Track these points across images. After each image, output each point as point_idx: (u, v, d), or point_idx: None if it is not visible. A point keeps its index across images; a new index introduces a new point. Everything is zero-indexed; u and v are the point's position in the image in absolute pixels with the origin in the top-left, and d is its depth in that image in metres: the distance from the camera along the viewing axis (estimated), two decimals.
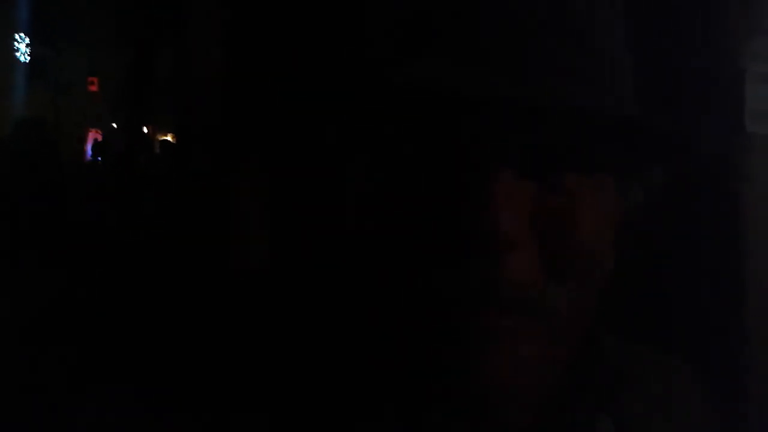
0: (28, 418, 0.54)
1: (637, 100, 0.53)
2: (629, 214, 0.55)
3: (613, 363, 0.61)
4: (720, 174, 1.32)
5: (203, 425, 0.53)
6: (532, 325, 0.48)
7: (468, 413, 0.48)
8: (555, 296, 0.49)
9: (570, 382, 0.55)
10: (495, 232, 0.44)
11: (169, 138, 11.73)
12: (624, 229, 0.55)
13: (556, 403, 0.53)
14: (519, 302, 0.47)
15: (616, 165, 0.51)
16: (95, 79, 17.26)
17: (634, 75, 0.53)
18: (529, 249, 0.46)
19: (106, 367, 0.57)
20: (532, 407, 0.51)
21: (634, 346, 0.68)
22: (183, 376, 0.54)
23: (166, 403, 0.53)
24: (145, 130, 13.01)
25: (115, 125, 14.87)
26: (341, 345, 0.53)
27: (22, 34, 16.89)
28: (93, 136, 14.71)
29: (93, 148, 12.98)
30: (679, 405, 0.67)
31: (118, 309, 0.70)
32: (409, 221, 0.46)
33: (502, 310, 0.46)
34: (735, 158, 1.41)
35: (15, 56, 16.89)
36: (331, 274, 0.50)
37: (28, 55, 17.02)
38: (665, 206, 1.23)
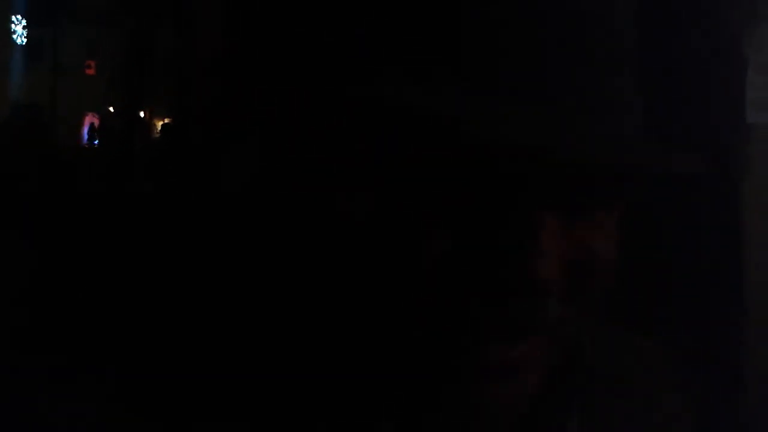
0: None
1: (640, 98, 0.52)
2: (627, 222, 0.56)
3: (586, 353, 0.61)
4: (719, 164, 1.32)
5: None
6: (545, 349, 0.49)
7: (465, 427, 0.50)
8: (572, 322, 0.50)
9: (546, 385, 0.56)
10: (537, 278, 0.45)
11: (167, 121, 11.71)
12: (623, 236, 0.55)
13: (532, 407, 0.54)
14: (542, 331, 0.48)
15: (627, 194, 0.51)
16: (92, 63, 17.23)
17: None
18: (563, 284, 0.47)
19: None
20: (520, 415, 0.52)
21: (606, 331, 0.68)
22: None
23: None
24: (142, 114, 12.99)
25: (112, 109, 14.84)
26: (361, 364, 0.53)
27: (18, 16, 16.84)
28: (89, 120, 14.69)
29: (89, 131, 12.96)
30: (652, 393, 0.67)
31: (117, 294, 0.70)
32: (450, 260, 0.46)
33: (533, 339, 0.47)
34: (735, 148, 1.41)
35: (11, 38, 16.84)
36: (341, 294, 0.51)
37: (25, 37, 16.97)
38: (658, 199, 1.23)
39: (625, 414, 0.63)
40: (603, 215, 0.49)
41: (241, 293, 0.58)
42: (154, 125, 12.86)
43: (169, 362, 0.55)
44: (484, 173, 0.45)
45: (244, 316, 0.56)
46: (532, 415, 0.54)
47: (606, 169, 0.46)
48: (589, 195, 0.48)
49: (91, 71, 17.51)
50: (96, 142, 12.38)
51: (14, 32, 17.32)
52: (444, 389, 0.49)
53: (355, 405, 0.53)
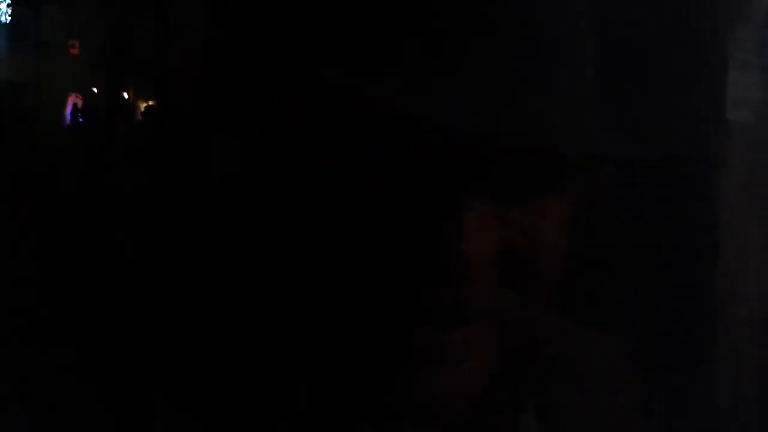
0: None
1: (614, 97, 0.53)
2: (580, 211, 0.56)
3: (542, 352, 0.61)
4: (697, 159, 1.33)
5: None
6: (494, 334, 0.49)
7: (414, 414, 0.50)
8: (515, 309, 0.50)
9: (497, 376, 0.56)
10: (466, 259, 0.45)
11: (150, 104, 11.66)
12: (575, 226, 0.55)
13: (482, 397, 0.55)
14: (484, 315, 0.48)
15: (570, 183, 0.51)
16: (76, 42, 17.10)
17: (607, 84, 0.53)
18: (495, 268, 0.47)
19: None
20: (470, 405, 0.53)
21: (568, 327, 0.68)
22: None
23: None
24: (126, 95, 12.92)
25: (95, 89, 14.76)
26: (298, 352, 0.54)
27: None
28: (73, 100, 14.60)
29: (72, 111, 12.88)
30: (609, 390, 0.67)
31: (97, 277, 0.70)
32: (380, 240, 0.47)
33: (470, 324, 0.48)
34: (715, 142, 1.42)
35: None
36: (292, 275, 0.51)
37: (9, 15, 16.83)
38: (628, 189, 1.24)
39: (582, 411, 0.64)
40: (545, 202, 0.49)
41: (214, 280, 0.58)
42: (138, 107, 12.79)
43: (145, 354, 0.56)
44: (412, 157, 0.46)
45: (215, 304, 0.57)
46: (485, 404, 0.55)
47: (540, 155, 0.46)
48: (525, 181, 0.48)
49: (75, 51, 17.37)
50: (79, 121, 12.30)
51: None
52: (384, 376, 0.49)
53: (293, 392, 0.54)
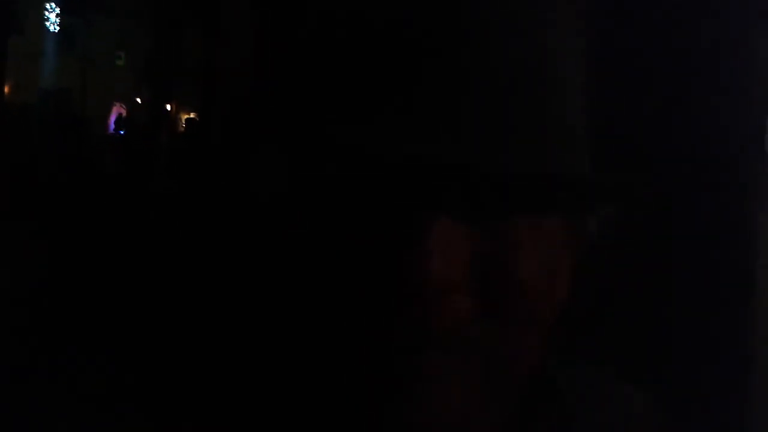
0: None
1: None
2: (584, 250, 0.55)
3: (566, 396, 0.60)
4: (736, 194, 1.32)
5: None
6: (473, 364, 0.48)
7: None
8: (496, 336, 0.48)
9: (522, 419, 0.55)
10: (430, 276, 0.45)
11: (192, 116, 11.77)
12: (581, 263, 0.54)
13: None
14: (458, 342, 0.47)
15: (560, 211, 0.50)
16: (122, 53, 17.36)
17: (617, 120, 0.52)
18: (465, 291, 0.47)
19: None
20: None
21: (589, 375, 0.67)
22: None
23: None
24: (169, 107, 13.07)
25: (139, 100, 14.94)
26: (281, 384, 0.53)
27: (52, 4, 16.99)
28: (117, 110, 14.79)
29: (116, 121, 13.04)
30: None
31: (132, 284, 0.71)
32: (348, 263, 0.47)
33: (442, 351, 0.47)
34: (754, 182, 1.41)
35: (45, 26, 16.99)
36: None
37: (58, 25, 17.10)
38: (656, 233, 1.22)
39: None
40: (518, 229, 0.48)
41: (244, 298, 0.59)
42: (180, 119, 12.93)
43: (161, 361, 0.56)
44: (383, 181, 0.46)
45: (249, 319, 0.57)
46: None
47: (506, 179, 0.46)
48: (495, 204, 0.48)
49: (120, 62, 17.63)
50: (122, 131, 12.45)
51: (47, 20, 17.48)
52: (357, 403, 0.48)
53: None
